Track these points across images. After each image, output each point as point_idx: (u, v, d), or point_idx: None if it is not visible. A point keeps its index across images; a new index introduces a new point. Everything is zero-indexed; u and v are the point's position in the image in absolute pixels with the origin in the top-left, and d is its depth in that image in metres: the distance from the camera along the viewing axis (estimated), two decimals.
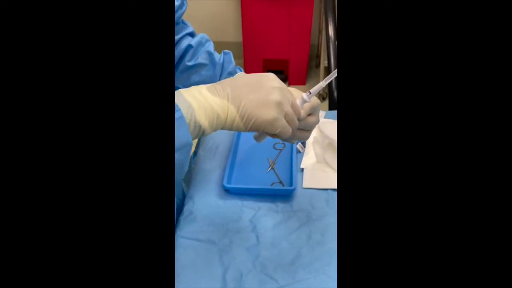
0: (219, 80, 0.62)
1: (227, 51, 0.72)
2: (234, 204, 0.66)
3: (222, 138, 0.81)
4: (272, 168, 0.73)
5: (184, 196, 0.72)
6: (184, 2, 0.67)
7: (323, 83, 0.51)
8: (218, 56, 0.71)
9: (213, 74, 0.70)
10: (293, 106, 0.48)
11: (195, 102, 0.44)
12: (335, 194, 0.68)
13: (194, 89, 0.46)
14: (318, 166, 0.73)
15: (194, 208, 0.66)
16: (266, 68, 2.19)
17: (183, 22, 0.71)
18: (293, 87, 0.53)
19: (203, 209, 0.66)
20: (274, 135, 0.48)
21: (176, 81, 0.68)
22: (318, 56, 2.28)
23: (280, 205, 0.66)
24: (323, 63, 2.02)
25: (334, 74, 0.50)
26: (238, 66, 0.72)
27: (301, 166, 0.73)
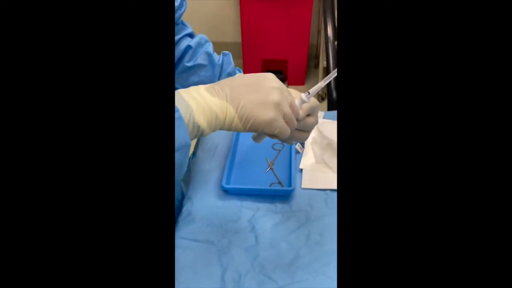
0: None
1: (226, 52, 0.72)
2: (233, 205, 0.66)
3: (221, 139, 0.80)
4: (271, 168, 0.73)
5: (183, 197, 0.72)
6: (184, 2, 0.67)
7: (322, 84, 0.51)
8: (217, 57, 0.71)
9: (212, 75, 0.70)
10: (291, 106, 0.48)
11: (194, 103, 0.44)
12: (334, 194, 0.68)
13: (192, 89, 0.46)
14: (317, 166, 0.73)
15: (193, 209, 0.66)
16: (265, 68, 2.19)
17: (182, 23, 0.71)
18: (292, 88, 0.53)
19: (202, 210, 0.65)
20: (272, 136, 0.48)
21: (175, 82, 0.68)
22: (317, 57, 2.28)
23: (279, 206, 0.66)
24: (322, 63, 2.02)
25: (333, 74, 0.50)
26: (237, 67, 0.72)
27: (300, 167, 0.73)
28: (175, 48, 0.67)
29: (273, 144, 0.78)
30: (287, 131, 0.47)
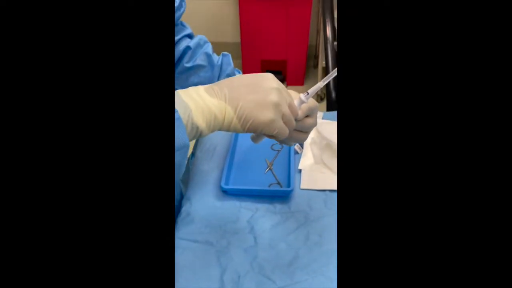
0: None
1: (226, 53, 0.72)
2: (232, 205, 0.66)
3: (220, 139, 0.80)
4: (270, 169, 0.73)
5: (182, 197, 0.72)
6: (183, 3, 0.67)
7: (321, 84, 0.51)
8: (216, 58, 0.71)
9: (211, 76, 0.70)
10: (290, 107, 0.48)
11: (193, 103, 0.44)
12: (333, 195, 0.68)
13: (191, 90, 0.46)
14: (316, 167, 0.73)
15: (192, 210, 0.66)
16: (264, 68, 2.19)
17: (181, 24, 0.71)
18: (291, 88, 0.53)
19: (201, 210, 0.65)
20: (271, 136, 0.48)
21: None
22: (316, 57, 2.28)
23: (278, 206, 0.66)
24: (321, 63, 2.03)
25: (331, 75, 0.50)
26: (236, 68, 0.72)
27: (299, 167, 0.73)
28: (175, 49, 0.67)
29: (272, 145, 0.78)
30: (286, 131, 0.47)
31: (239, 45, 2.14)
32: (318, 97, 2.07)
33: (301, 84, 2.23)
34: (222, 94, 0.45)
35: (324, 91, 1.91)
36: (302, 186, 0.69)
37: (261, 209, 0.66)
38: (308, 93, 0.50)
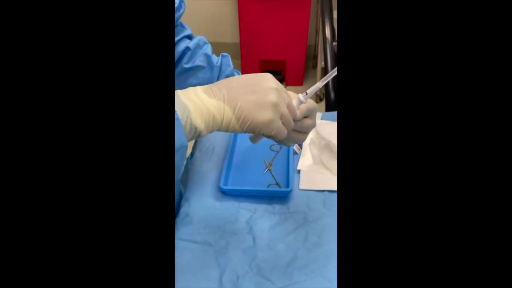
0: None
1: (225, 54, 0.72)
2: (231, 206, 0.66)
3: (218, 140, 0.80)
4: (268, 169, 0.73)
5: (181, 197, 0.72)
6: (182, 4, 0.67)
7: (319, 84, 0.51)
8: (216, 59, 0.71)
9: (210, 77, 0.70)
10: (289, 107, 0.48)
11: (191, 104, 0.44)
12: (332, 195, 0.68)
13: (190, 90, 0.46)
14: (315, 167, 0.73)
15: (191, 210, 0.65)
16: (263, 68, 2.19)
17: (181, 25, 0.71)
18: (290, 88, 0.53)
19: (200, 211, 0.65)
20: (269, 137, 0.48)
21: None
22: (315, 57, 2.28)
23: (277, 207, 0.66)
24: (320, 63, 2.03)
25: (330, 75, 0.50)
26: (236, 70, 0.72)
27: (298, 168, 0.73)
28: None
29: (271, 145, 0.78)
30: (284, 132, 0.47)
31: (238, 45, 2.14)
32: (317, 97, 2.07)
33: (300, 84, 2.23)
34: (221, 94, 0.45)
35: (323, 92, 1.91)
36: (301, 187, 0.69)
37: (260, 209, 0.66)
38: (307, 93, 0.50)
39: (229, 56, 0.73)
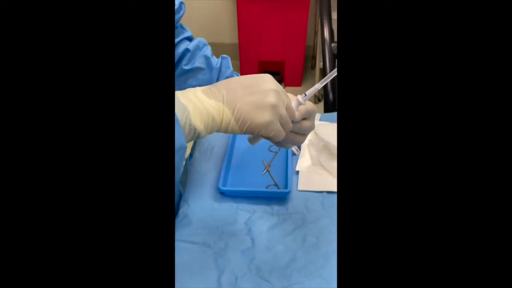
0: None
1: (225, 55, 0.72)
2: (229, 207, 0.66)
3: (217, 140, 0.80)
4: (267, 170, 0.73)
5: (180, 198, 0.72)
6: (182, 6, 0.67)
7: (318, 86, 0.51)
8: (215, 61, 0.71)
9: (209, 78, 0.70)
10: (288, 108, 0.48)
11: (191, 105, 0.44)
12: (330, 196, 0.68)
13: (189, 91, 0.46)
14: (313, 168, 0.73)
15: (189, 211, 0.65)
16: (262, 69, 2.19)
17: (181, 26, 0.71)
18: (288, 89, 0.53)
19: (198, 212, 0.65)
20: (267, 138, 0.48)
21: None
22: (313, 58, 2.28)
23: (275, 208, 0.66)
24: (319, 64, 2.03)
25: (329, 77, 0.50)
26: (235, 72, 0.72)
27: (296, 169, 0.73)
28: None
29: (270, 146, 0.78)
30: (282, 134, 0.47)
31: (237, 46, 2.14)
32: (316, 98, 2.07)
33: (299, 85, 2.23)
34: (220, 95, 0.45)
35: (322, 93, 1.91)
36: (299, 188, 0.69)
37: (258, 210, 0.66)
38: (305, 95, 0.50)
39: (229, 58, 0.73)
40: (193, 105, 0.44)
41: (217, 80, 0.70)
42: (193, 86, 0.47)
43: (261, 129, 0.45)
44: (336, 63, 1.31)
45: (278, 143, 0.52)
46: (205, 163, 0.76)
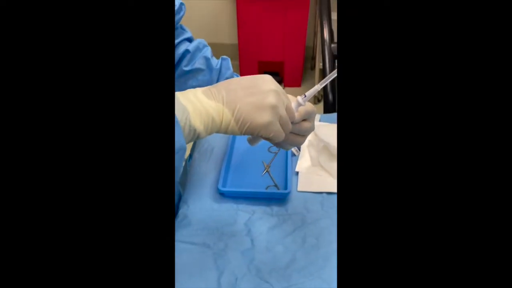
0: None
1: (225, 57, 0.72)
2: (229, 208, 0.66)
3: (217, 141, 0.80)
4: (267, 171, 0.73)
5: (180, 199, 0.72)
6: (182, 7, 0.67)
7: (318, 87, 0.51)
8: (215, 62, 0.71)
9: (209, 79, 0.70)
10: (287, 109, 0.48)
11: (190, 106, 0.44)
12: (330, 197, 0.68)
13: (189, 92, 0.46)
14: (313, 169, 0.73)
15: (189, 212, 0.65)
16: (262, 69, 2.19)
17: (181, 27, 0.71)
18: (287, 90, 0.53)
19: (198, 213, 0.65)
20: (267, 139, 0.48)
21: None
22: (313, 58, 2.29)
23: (275, 209, 0.66)
24: (318, 65, 2.03)
25: (329, 78, 0.50)
26: (235, 73, 0.72)
27: (296, 170, 0.73)
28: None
29: (269, 147, 0.78)
30: (282, 135, 0.47)
31: (237, 46, 2.14)
32: (315, 99, 2.07)
33: (298, 85, 2.23)
34: (220, 96, 0.45)
35: (321, 93, 1.91)
36: (299, 189, 0.69)
37: (258, 211, 0.66)
38: (305, 96, 0.50)
39: (229, 59, 0.73)
40: (193, 106, 0.44)
41: (217, 81, 0.70)
42: (193, 87, 0.47)
43: (261, 130, 0.46)
44: (336, 64, 1.31)
45: (278, 144, 0.52)
46: (204, 164, 0.76)
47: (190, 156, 0.81)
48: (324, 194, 0.69)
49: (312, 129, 0.52)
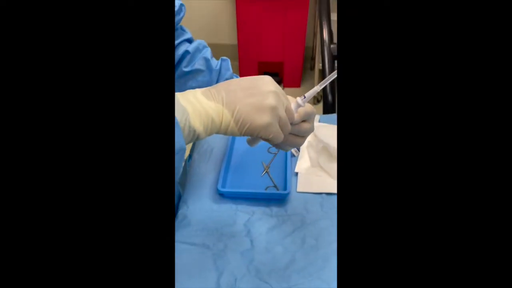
0: None
1: (225, 58, 0.72)
2: (229, 208, 0.66)
3: (217, 142, 0.80)
4: (266, 172, 0.73)
5: (180, 199, 0.72)
6: (182, 7, 0.67)
7: (317, 88, 0.51)
8: (215, 62, 0.71)
9: (209, 80, 0.70)
10: (287, 110, 0.48)
11: (190, 107, 0.44)
12: (329, 198, 0.68)
13: (189, 93, 0.46)
14: (313, 170, 0.73)
15: (188, 212, 0.66)
16: (261, 70, 2.19)
17: (181, 28, 0.71)
18: (287, 90, 0.53)
19: (197, 213, 0.65)
20: (266, 140, 0.48)
21: None
22: (312, 59, 2.29)
23: (275, 209, 0.66)
24: (318, 65, 2.03)
25: (329, 79, 0.50)
26: (235, 74, 0.72)
27: (296, 170, 0.73)
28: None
29: (269, 148, 0.78)
30: (281, 136, 0.47)
31: (236, 47, 2.14)
32: (315, 99, 2.07)
33: (298, 86, 2.23)
34: (220, 97, 0.45)
35: (321, 94, 1.91)
36: (298, 189, 0.70)
37: (257, 212, 0.66)
38: (305, 97, 0.50)
39: (229, 60, 0.73)
40: (193, 106, 0.44)
41: (217, 82, 0.70)
42: (193, 88, 0.47)
43: (260, 131, 0.46)
44: (335, 64, 1.31)
45: (277, 145, 0.52)
46: (204, 164, 0.76)
47: (190, 156, 0.81)
48: (324, 195, 0.69)
49: (311, 130, 0.53)
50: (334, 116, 0.89)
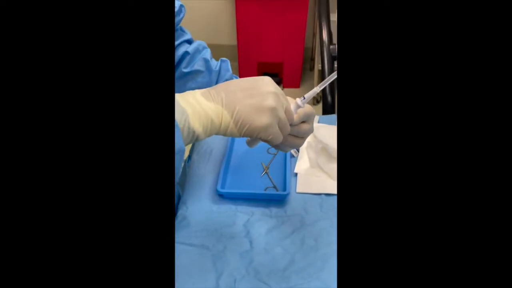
0: None
1: (224, 58, 0.72)
2: (228, 209, 0.66)
3: (216, 143, 0.80)
4: (266, 172, 0.73)
5: (179, 200, 0.72)
6: (182, 8, 0.67)
7: (317, 89, 0.51)
8: (214, 63, 0.71)
9: (209, 81, 0.70)
10: (286, 111, 0.48)
11: (189, 108, 0.44)
12: (328, 198, 0.68)
13: (188, 94, 0.46)
14: (312, 171, 0.73)
15: (188, 213, 0.65)
16: (261, 70, 2.19)
17: (181, 29, 0.71)
18: (286, 91, 0.53)
19: (197, 214, 0.65)
20: (266, 141, 0.48)
21: None
22: (312, 59, 2.29)
23: (274, 210, 0.66)
24: (317, 66, 2.03)
25: (328, 80, 0.50)
26: (235, 75, 0.72)
27: (295, 171, 0.73)
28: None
29: (268, 149, 0.78)
30: (280, 137, 0.47)
31: (236, 47, 2.14)
32: (314, 100, 2.07)
33: (297, 86, 2.23)
34: (219, 98, 0.45)
35: (320, 94, 1.92)
36: (298, 190, 0.70)
37: (257, 213, 0.66)
38: (304, 98, 0.50)
39: (228, 61, 0.73)
40: (192, 107, 0.44)
41: (216, 83, 0.70)
42: (192, 89, 0.47)
43: (260, 132, 0.46)
44: (335, 65, 1.31)
45: (277, 146, 0.52)
46: (203, 165, 0.76)
47: (189, 157, 0.81)
48: (323, 196, 0.69)
49: (311, 131, 0.53)
50: (333, 116, 0.89)
